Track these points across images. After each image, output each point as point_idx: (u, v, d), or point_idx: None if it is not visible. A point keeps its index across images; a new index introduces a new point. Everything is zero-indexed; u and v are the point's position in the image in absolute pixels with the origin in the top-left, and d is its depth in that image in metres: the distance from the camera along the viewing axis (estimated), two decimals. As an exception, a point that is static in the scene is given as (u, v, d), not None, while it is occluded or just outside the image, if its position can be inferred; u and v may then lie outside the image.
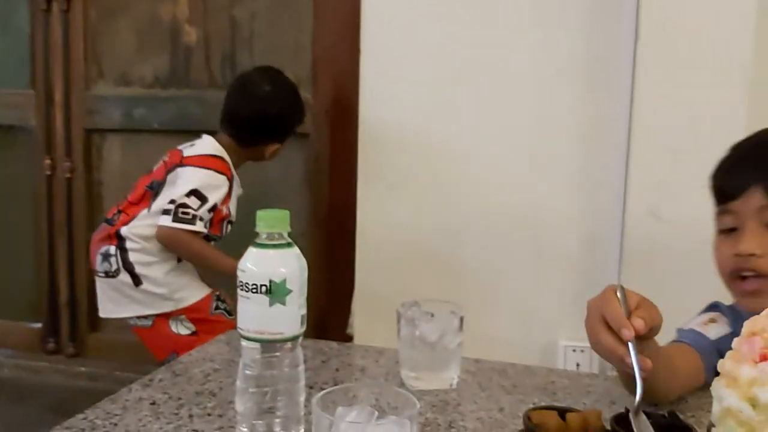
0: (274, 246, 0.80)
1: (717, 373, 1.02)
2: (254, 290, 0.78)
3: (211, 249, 2.07)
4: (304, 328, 0.81)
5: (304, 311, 0.81)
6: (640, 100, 1.85)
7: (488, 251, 2.06)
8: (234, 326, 0.84)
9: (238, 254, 0.81)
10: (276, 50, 2.66)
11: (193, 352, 1.19)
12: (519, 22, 1.98)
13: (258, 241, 0.80)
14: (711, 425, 0.66)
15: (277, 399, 0.80)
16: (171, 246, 2.03)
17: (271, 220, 0.80)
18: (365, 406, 0.76)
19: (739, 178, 1.02)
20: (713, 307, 1.12)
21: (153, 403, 0.96)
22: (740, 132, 1.11)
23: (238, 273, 0.80)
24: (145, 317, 2.08)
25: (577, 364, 2.00)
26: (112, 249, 2.07)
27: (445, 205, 2.08)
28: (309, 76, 2.59)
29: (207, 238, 2.06)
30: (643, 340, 0.85)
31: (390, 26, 2.06)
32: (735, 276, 1.02)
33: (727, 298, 1.08)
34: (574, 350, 2.01)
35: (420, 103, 2.06)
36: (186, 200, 1.99)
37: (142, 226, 2.06)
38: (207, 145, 2.12)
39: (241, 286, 0.79)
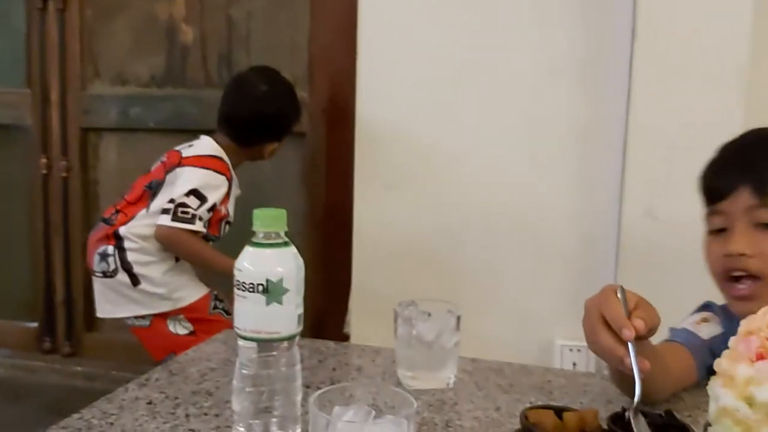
0: (271, 245, 0.80)
1: (709, 372, 1.03)
2: (251, 289, 0.78)
3: (209, 249, 2.07)
4: (300, 328, 0.81)
5: (300, 310, 0.81)
6: (636, 100, 1.85)
7: (485, 250, 2.06)
8: (232, 326, 0.83)
9: (236, 254, 0.81)
10: (272, 49, 2.66)
11: (189, 351, 1.18)
12: (516, 22, 1.98)
13: (255, 240, 0.80)
14: (708, 424, 0.66)
15: (274, 398, 0.80)
16: (170, 245, 2.03)
17: (268, 219, 0.80)
18: (362, 406, 0.76)
19: (727, 179, 1.02)
20: (705, 306, 1.13)
21: (149, 403, 0.96)
22: (736, 132, 1.11)
23: (235, 272, 0.79)
24: (143, 317, 2.08)
25: (574, 364, 2.00)
26: (110, 249, 2.07)
27: (442, 205, 2.08)
28: (305, 76, 2.59)
29: (205, 238, 2.06)
30: (640, 340, 0.85)
31: (387, 25, 2.06)
32: (726, 277, 1.02)
33: (721, 298, 1.09)
34: (570, 349, 2.01)
35: (417, 103, 2.06)
36: (185, 200, 1.99)
37: (140, 226, 2.06)
38: (206, 145, 2.12)
39: (238, 285, 0.79)
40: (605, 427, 0.75)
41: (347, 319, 2.25)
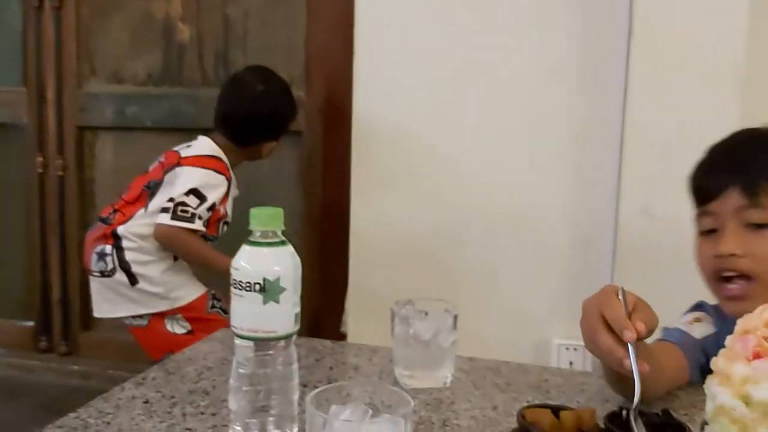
0: (268, 244, 0.79)
1: (702, 372, 1.03)
2: (248, 288, 0.78)
3: (208, 248, 2.06)
4: (297, 327, 0.81)
5: (297, 309, 0.81)
6: (633, 99, 1.85)
7: (482, 250, 2.06)
8: (229, 325, 0.83)
9: (233, 254, 0.81)
10: (269, 49, 2.66)
11: (186, 350, 1.18)
12: (514, 22, 1.98)
13: (252, 239, 0.80)
14: (704, 423, 0.66)
15: (271, 397, 0.80)
16: (168, 244, 2.03)
17: (265, 218, 0.80)
18: (359, 405, 0.76)
19: (716, 180, 1.03)
20: (698, 306, 1.13)
21: (146, 402, 0.96)
22: (733, 130, 1.11)
23: (232, 271, 0.79)
24: (141, 317, 2.08)
25: (571, 363, 2.00)
26: (108, 248, 2.06)
27: (439, 204, 2.08)
28: (302, 75, 2.59)
29: (203, 237, 2.06)
30: (638, 341, 0.85)
31: (384, 25, 2.06)
32: (717, 277, 1.02)
33: (714, 298, 1.09)
34: (567, 348, 2.01)
35: (413, 102, 2.06)
36: (185, 199, 1.99)
37: (139, 225, 2.05)
38: (204, 145, 2.12)
39: (235, 284, 0.79)
40: (602, 426, 0.75)
41: (344, 318, 2.25)
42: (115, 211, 2.12)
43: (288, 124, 2.21)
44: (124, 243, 2.05)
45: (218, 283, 2.12)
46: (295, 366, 0.82)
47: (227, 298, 0.82)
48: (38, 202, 2.96)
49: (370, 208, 2.11)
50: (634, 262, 1.88)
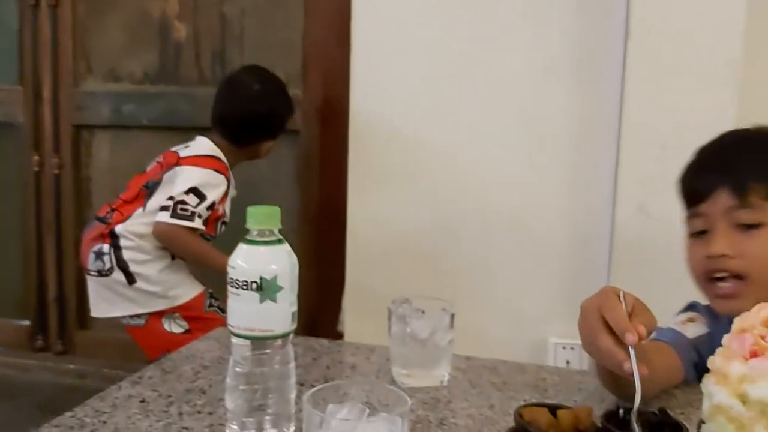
0: (265, 243, 0.79)
1: (697, 370, 1.04)
2: (245, 287, 0.78)
3: (207, 246, 2.06)
4: (294, 325, 0.81)
5: (294, 308, 0.81)
6: (630, 99, 1.86)
7: (479, 248, 2.06)
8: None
9: (231, 253, 0.81)
10: (266, 47, 2.65)
11: (182, 349, 1.18)
12: (511, 21, 1.98)
13: (248, 237, 0.80)
14: (701, 422, 0.66)
15: (268, 396, 0.80)
16: (167, 242, 2.03)
17: (262, 217, 0.79)
18: (356, 404, 0.76)
19: (705, 181, 1.03)
20: (691, 307, 1.13)
21: (142, 401, 0.96)
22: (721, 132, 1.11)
23: (228, 270, 0.79)
24: (138, 316, 2.07)
25: (567, 362, 2.00)
26: (106, 247, 2.06)
27: (436, 203, 2.08)
28: (299, 73, 2.59)
29: (201, 237, 2.05)
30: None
31: (381, 23, 2.06)
32: (708, 278, 1.02)
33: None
34: (564, 347, 2.01)
35: (410, 100, 2.06)
36: (185, 197, 1.99)
37: (137, 224, 2.05)
38: (203, 146, 2.12)
39: (232, 282, 0.79)
40: (599, 424, 0.75)
41: (341, 317, 2.25)
42: (113, 210, 2.12)
43: (285, 123, 2.21)
44: (122, 242, 2.04)
45: (216, 282, 2.12)
46: (292, 365, 0.82)
47: (225, 296, 0.81)
48: (34, 201, 2.95)
49: (367, 207, 2.12)
50: (630, 261, 1.88)
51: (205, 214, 2.01)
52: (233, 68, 2.38)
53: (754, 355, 0.62)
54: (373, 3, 2.06)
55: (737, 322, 0.66)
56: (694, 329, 1.07)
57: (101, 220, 2.12)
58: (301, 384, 0.97)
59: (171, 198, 2.00)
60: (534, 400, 0.97)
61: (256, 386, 0.79)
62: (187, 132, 2.20)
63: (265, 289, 0.77)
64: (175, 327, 2.07)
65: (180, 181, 2.02)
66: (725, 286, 1.00)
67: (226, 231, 2.13)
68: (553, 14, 1.95)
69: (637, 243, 1.87)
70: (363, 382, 0.94)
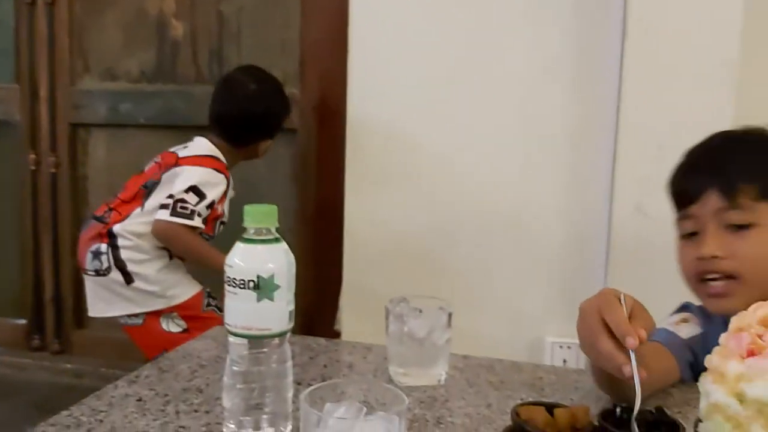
0: (262, 241, 0.79)
1: (692, 370, 1.04)
2: (242, 286, 0.77)
3: (206, 245, 2.06)
4: (292, 324, 0.81)
5: (292, 307, 0.80)
6: (627, 99, 1.86)
7: (476, 248, 2.06)
8: (225, 323, 0.83)
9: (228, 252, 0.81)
10: (263, 46, 2.65)
11: (179, 348, 1.18)
12: (508, 21, 1.98)
13: (246, 236, 0.80)
14: (698, 420, 0.66)
15: (265, 395, 0.80)
16: (166, 240, 2.02)
17: (259, 215, 0.79)
18: (353, 402, 0.76)
19: (695, 182, 1.04)
20: (684, 307, 1.14)
21: (139, 400, 0.96)
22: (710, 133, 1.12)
23: (226, 268, 0.79)
24: (136, 315, 2.07)
25: (564, 361, 2.01)
26: (104, 247, 2.05)
27: (433, 203, 2.08)
28: (296, 73, 2.59)
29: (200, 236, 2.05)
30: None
31: (378, 23, 2.06)
32: (699, 279, 1.02)
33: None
34: (560, 346, 2.01)
35: (408, 100, 2.06)
36: (184, 196, 1.99)
37: (135, 224, 2.05)
38: (201, 146, 2.12)
39: (229, 281, 0.78)
40: (596, 423, 0.75)
41: (338, 316, 2.24)
42: (111, 209, 2.11)
43: (282, 122, 2.21)
44: (120, 241, 2.04)
45: (213, 281, 2.12)
46: (289, 364, 0.82)
47: (223, 295, 0.81)
48: (31, 200, 2.95)
49: (365, 206, 2.11)
50: (627, 261, 1.88)
51: (205, 212, 2.01)
52: (230, 67, 2.38)
53: (751, 354, 0.63)
54: (370, 2, 2.06)
55: (734, 321, 0.66)
56: (688, 330, 1.07)
57: (99, 219, 2.11)
58: (298, 383, 0.97)
59: (171, 196, 2.00)
60: (531, 399, 0.97)
61: (253, 385, 0.79)
62: (184, 130, 2.20)
63: (262, 287, 0.77)
64: (173, 326, 2.07)
65: (180, 179, 2.02)
66: (717, 284, 1.01)
67: (224, 231, 2.12)
68: (550, 15, 1.95)
69: (634, 243, 1.87)
70: (360, 381, 0.94)
